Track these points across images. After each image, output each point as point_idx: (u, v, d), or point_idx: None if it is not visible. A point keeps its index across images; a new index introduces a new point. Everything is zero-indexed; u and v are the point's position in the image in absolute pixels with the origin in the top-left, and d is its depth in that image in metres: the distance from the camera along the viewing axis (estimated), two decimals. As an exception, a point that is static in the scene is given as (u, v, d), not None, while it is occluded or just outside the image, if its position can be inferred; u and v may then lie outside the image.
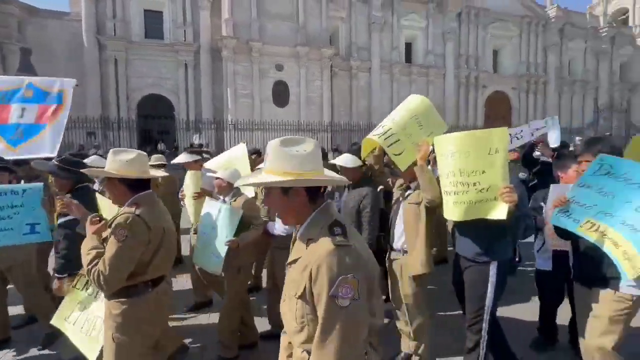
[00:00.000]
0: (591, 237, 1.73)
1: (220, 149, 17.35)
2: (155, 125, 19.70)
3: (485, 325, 2.04)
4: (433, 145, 2.09)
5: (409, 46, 24.61)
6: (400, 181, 2.37)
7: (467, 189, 1.83)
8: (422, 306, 2.27)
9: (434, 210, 2.18)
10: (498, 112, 25.68)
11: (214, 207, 2.55)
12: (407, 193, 2.28)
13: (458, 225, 2.14)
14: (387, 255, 2.44)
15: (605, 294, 1.77)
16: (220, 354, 2.54)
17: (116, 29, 19.06)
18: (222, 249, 2.40)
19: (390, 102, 23.60)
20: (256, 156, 4.42)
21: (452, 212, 1.91)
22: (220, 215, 2.48)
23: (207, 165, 3.28)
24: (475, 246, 2.05)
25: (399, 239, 2.28)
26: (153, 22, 20.20)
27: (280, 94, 20.21)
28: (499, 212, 1.77)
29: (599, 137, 2.06)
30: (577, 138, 18.74)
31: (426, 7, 23.86)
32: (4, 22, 17.63)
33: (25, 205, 2.51)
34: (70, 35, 18.66)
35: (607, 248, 1.68)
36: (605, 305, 1.75)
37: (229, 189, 2.63)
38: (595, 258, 1.78)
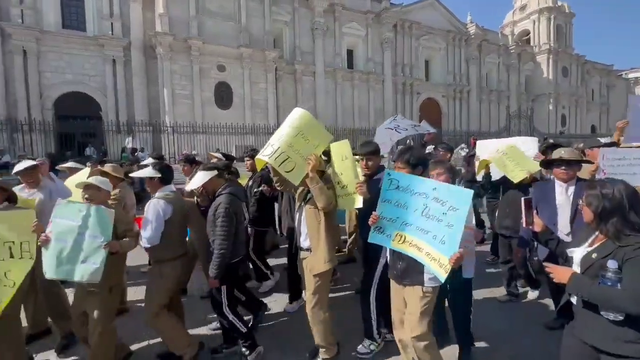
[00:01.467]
0: (403, 249, 1.96)
1: (158, 153, 15.89)
2: (78, 128, 17.26)
3: (373, 292, 2.56)
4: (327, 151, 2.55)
5: (350, 53, 25.41)
6: (301, 187, 2.48)
7: (337, 187, 2.44)
8: (324, 301, 2.45)
9: (331, 213, 2.41)
10: (431, 117, 27.78)
11: (74, 209, 2.19)
12: (307, 197, 2.40)
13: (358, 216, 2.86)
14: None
15: (414, 290, 2.02)
16: None
17: (24, 16, 16.36)
18: (99, 254, 2.14)
19: (334, 106, 24.11)
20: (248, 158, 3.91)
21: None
22: (89, 218, 2.17)
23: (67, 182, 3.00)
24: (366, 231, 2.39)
25: (304, 240, 2.48)
26: (72, 11, 17.79)
27: (224, 95, 19.29)
28: (358, 202, 2.33)
29: (410, 146, 2.57)
30: (495, 140, 21.23)
31: (365, 17, 24.89)
32: None
33: None
34: (-39, 20, 15.52)
35: (414, 254, 1.91)
36: (415, 302, 2.01)
37: (102, 197, 2.41)
38: (404, 257, 2.01)
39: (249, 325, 2.70)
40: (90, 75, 17.96)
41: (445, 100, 29.44)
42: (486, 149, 3.90)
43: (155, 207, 2.40)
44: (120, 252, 2.29)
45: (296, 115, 2.41)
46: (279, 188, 2.58)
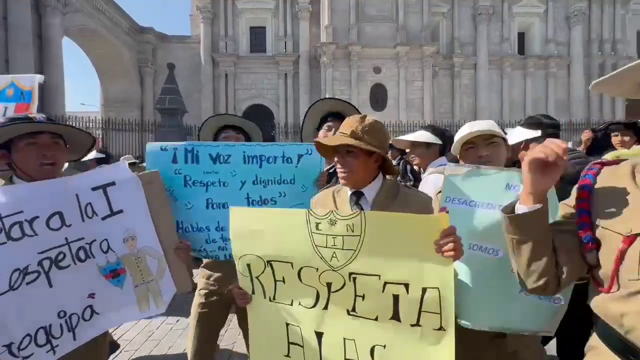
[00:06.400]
0: None
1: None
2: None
3: None
4: None
5: (522, 36, 21.05)
6: None
7: None
8: None
9: None
10: (645, 107, 20.14)
11: (497, 178, 1.13)
12: None
13: None
14: None
15: None
16: None
17: (227, 47, 20.26)
18: None
19: (499, 100, 20.41)
20: None
21: None
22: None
23: None
24: None
25: None
26: (257, 37, 21.02)
27: (378, 97, 18.94)
28: None
29: None
30: None
31: (545, -10, 20.13)
32: (142, 49, 20.16)
33: (298, 182, 1.51)
34: (191, 56, 20.44)
35: None
36: None
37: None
38: None
39: None
40: (267, 89, 20.77)
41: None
42: None
43: None
44: None
45: None
46: None
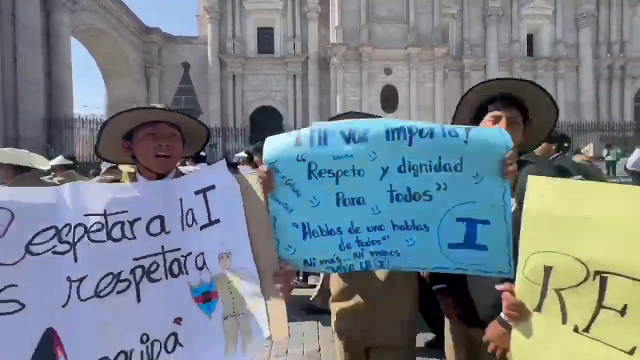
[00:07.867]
0: None
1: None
2: (265, 135, 19.77)
3: None
4: None
5: (530, 38, 20.95)
6: None
7: None
8: None
9: None
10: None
11: None
12: None
13: None
14: None
15: None
16: None
17: (235, 47, 19.88)
18: None
19: (509, 102, 20.24)
20: None
21: None
22: None
23: None
24: None
25: None
26: (265, 38, 20.67)
27: (389, 98, 18.65)
28: None
29: None
30: None
31: (553, -8, 20.07)
32: (148, 49, 19.69)
33: (467, 168, 0.99)
34: (198, 57, 19.96)
35: None
36: None
37: None
38: None
39: None
40: (276, 91, 20.39)
41: (677, 84, 20.80)
42: None
43: None
44: None
45: None
46: None
